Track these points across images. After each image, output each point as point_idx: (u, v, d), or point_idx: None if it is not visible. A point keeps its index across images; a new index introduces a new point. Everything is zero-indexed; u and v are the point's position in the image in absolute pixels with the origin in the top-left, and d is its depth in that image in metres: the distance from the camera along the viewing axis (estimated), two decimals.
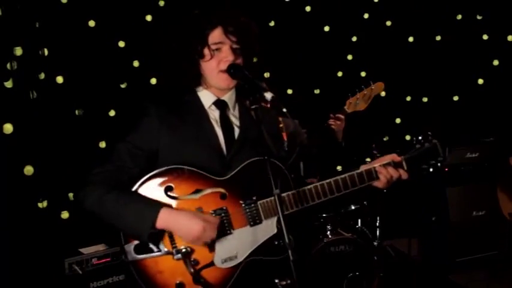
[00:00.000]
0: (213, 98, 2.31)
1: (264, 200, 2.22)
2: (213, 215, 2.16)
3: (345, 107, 3.80)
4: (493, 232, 4.82)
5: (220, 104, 2.32)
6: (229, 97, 2.34)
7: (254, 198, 2.21)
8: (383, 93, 5.26)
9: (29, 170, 3.75)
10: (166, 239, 2.12)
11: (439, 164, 2.40)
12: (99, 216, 2.13)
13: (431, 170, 2.41)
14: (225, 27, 2.21)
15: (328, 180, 2.29)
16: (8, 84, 3.70)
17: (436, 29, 5.41)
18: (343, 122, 3.78)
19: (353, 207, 4.19)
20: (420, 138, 2.41)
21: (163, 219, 2.05)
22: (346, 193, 2.32)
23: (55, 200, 3.91)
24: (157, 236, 2.10)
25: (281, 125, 2.46)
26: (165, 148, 2.21)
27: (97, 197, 2.10)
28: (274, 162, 2.07)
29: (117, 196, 2.09)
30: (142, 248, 2.12)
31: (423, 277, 4.77)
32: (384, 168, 2.34)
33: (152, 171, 2.15)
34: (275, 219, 2.23)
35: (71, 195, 4.00)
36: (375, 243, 4.32)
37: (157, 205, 2.08)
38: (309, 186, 2.28)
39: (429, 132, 2.41)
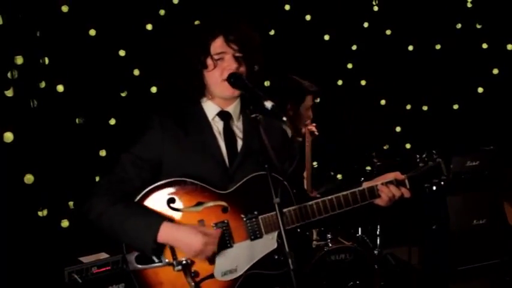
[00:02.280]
0: (217, 109, 2.30)
1: (265, 215, 2.21)
2: (214, 228, 2.16)
3: None
4: (494, 240, 4.81)
5: (224, 116, 2.31)
6: (233, 108, 2.33)
7: (255, 212, 2.21)
8: (383, 102, 5.29)
9: (29, 178, 3.75)
10: (168, 251, 2.13)
11: (442, 183, 2.39)
12: (103, 229, 2.15)
13: (434, 188, 2.41)
14: (226, 36, 2.21)
15: (329, 197, 2.29)
16: (9, 93, 3.70)
17: (436, 38, 5.43)
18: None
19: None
20: (424, 156, 2.41)
21: (165, 235, 2.07)
22: (347, 210, 2.31)
23: (55, 209, 3.91)
24: (160, 249, 2.11)
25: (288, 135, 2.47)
26: (169, 160, 2.22)
27: (102, 210, 2.11)
28: (276, 177, 2.05)
29: (121, 210, 2.10)
30: (143, 258, 2.13)
31: (424, 286, 4.76)
32: (386, 187, 2.32)
33: (155, 182, 2.16)
34: (276, 234, 2.22)
35: (71, 203, 4.00)
36: (376, 252, 4.32)
37: (159, 219, 2.09)
38: (310, 203, 2.28)
39: (434, 151, 2.41)
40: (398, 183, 2.35)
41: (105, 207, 2.11)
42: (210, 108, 2.31)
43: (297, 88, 3.90)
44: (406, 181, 2.37)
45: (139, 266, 2.13)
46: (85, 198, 2.19)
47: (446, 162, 2.39)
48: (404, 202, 2.39)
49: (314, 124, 3.93)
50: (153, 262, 2.13)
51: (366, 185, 2.34)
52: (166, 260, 2.12)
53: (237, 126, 2.35)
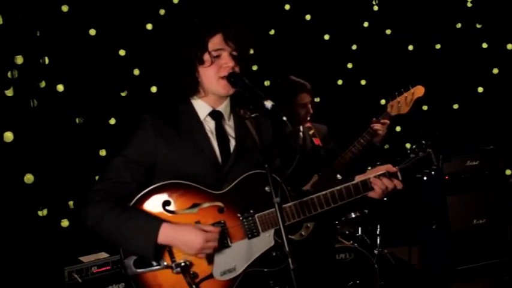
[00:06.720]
0: (209, 109, 2.30)
1: (262, 213, 2.22)
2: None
3: (388, 110, 3.75)
4: (494, 240, 4.82)
5: (215, 115, 2.31)
6: (224, 107, 2.33)
7: (251, 211, 2.22)
8: (383, 102, 5.29)
9: (29, 178, 3.75)
10: (166, 253, 2.12)
11: (432, 173, 2.42)
12: (101, 236, 2.13)
13: (425, 178, 2.43)
14: (225, 34, 2.22)
15: (324, 192, 2.31)
16: (9, 92, 3.71)
17: (436, 38, 5.43)
18: (387, 126, 3.72)
19: (353, 215, 4.19)
20: (414, 147, 2.44)
21: (165, 236, 2.06)
22: (343, 203, 2.34)
23: (55, 208, 3.91)
24: (161, 251, 2.10)
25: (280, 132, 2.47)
26: (163, 161, 2.20)
27: (98, 216, 2.09)
28: (273, 176, 2.04)
29: (117, 215, 2.08)
30: (141, 262, 2.11)
31: (424, 285, 4.76)
32: (379, 180, 2.35)
33: (150, 185, 2.15)
34: (272, 231, 2.23)
35: (71, 203, 4.00)
36: (376, 251, 4.32)
37: (158, 222, 2.08)
38: (306, 198, 2.29)
39: (423, 141, 2.44)
40: (390, 176, 2.38)
41: (101, 214, 2.09)
42: (201, 108, 2.31)
43: (287, 86, 3.86)
44: (398, 173, 2.40)
45: (138, 270, 2.11)
46: (81, 205, 2.16)
47: (436, 152, 2.42)
48: (397, 193, 2.41)
49: (381, 122, 3.70)
50: (152, 265, 2.11)
51: (358, 178, 2.37)
52: (165, 263, 2.11)
53: (229, 125, 2.35)
